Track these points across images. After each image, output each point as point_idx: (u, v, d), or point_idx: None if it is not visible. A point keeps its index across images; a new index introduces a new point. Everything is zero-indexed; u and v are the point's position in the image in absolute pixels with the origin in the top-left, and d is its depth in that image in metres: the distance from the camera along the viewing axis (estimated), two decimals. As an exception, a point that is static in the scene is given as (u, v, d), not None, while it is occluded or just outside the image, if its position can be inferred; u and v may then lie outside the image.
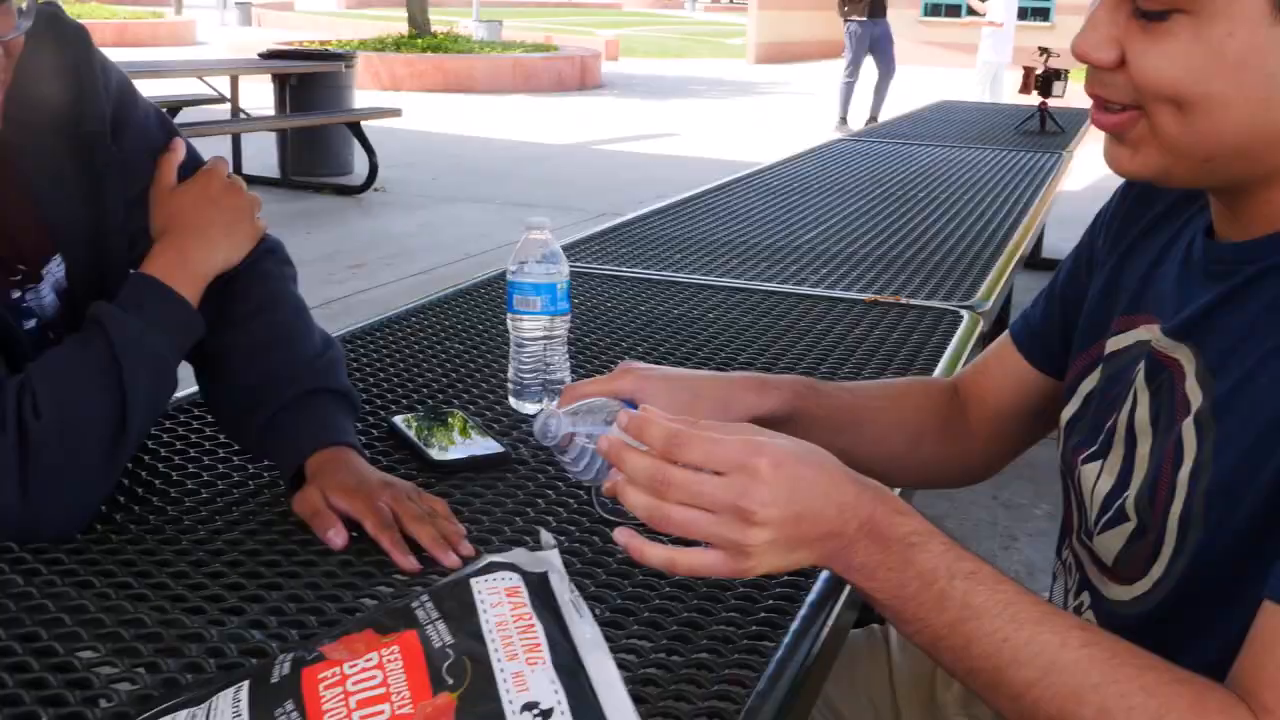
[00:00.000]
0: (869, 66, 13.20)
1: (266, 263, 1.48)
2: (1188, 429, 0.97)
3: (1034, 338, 1.28)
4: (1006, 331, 1.33)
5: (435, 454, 1.47)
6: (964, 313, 2.24)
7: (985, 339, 2.19)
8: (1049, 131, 5.46)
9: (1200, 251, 1.03)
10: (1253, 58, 0.87)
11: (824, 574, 1.19)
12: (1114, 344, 1.12)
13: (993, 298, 2.39)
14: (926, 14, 26.39)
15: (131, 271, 1.36)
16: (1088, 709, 0.85)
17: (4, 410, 1.20)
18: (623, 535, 0.96)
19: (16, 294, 1.36)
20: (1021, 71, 6.05)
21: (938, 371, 1.89)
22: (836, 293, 2.39)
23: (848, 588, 1.16)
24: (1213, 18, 0.87)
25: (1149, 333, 1.06)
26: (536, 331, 1.58)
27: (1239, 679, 0.85)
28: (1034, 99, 5.79)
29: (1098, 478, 1.08)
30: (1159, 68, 0.90)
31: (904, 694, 1.38)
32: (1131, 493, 1.02)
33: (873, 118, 12.65)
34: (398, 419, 1.57)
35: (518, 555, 0.84)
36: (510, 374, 1.65)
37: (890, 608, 0.94)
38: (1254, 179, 0.95)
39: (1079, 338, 1.20)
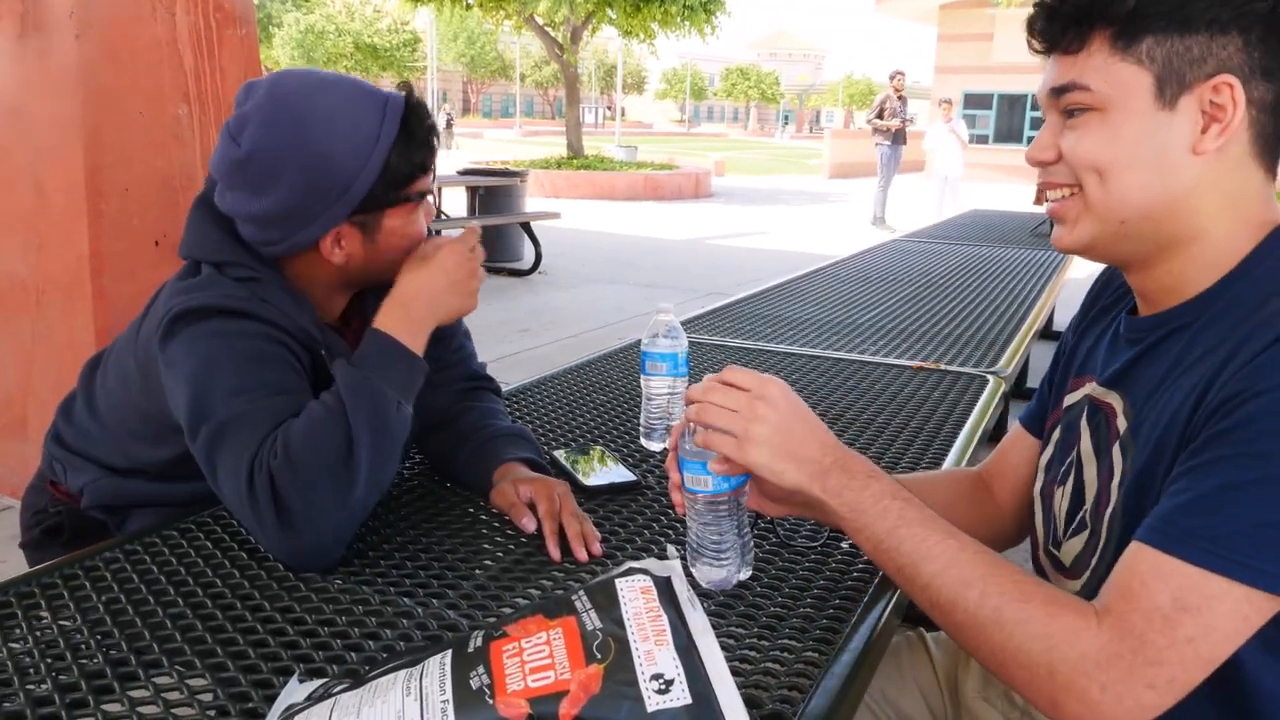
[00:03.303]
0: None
1: (485, 397, 1.58)
2: (1116, 450, 1.02)
3: (1034, 418, 1.29)
4: (1019, 420, 1.32)
5: (584, 479, 1.50)
6: (989, 377, 2.21)
7: (1006, 397, 2.16)
8: (1060, 233, 5.33)
9: (1124, 326, 1.09)
10: (1144, 135, 0.95)
11: (874, 583, 1.20)
12: (1069, 400, 1.17)
13: (1013, 365, 2.35)
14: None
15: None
16: (972, 591, 0.91)
17: (253, 459, 1.16)
18: (675, 494, 1.10)
19: None
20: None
21: (966, 424, 1.87)
22: (890, 360, 2.37)
23: (894, 596, 1.17)
24: (1114, 110, 0.96)
25: (1090, 387, 1.11)
26: (662, 389, 1.60)
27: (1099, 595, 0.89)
28: (1044, 208, 5.68)
29: (1064, 499, 1.11)
30: (1083, 147, 0.98)
31: (944, 682, 1.36)
32: (1088, 504, 1.06)
33: (879, 218, 12.98)
34: (558, 452, 1.61)
35: (649, 563, 0.85)
36: (641, 420, 1.67)
37: (849, 519, 1.02)
38: (1157, 248, 0.99)
39: (1051, 403, 1.23)
